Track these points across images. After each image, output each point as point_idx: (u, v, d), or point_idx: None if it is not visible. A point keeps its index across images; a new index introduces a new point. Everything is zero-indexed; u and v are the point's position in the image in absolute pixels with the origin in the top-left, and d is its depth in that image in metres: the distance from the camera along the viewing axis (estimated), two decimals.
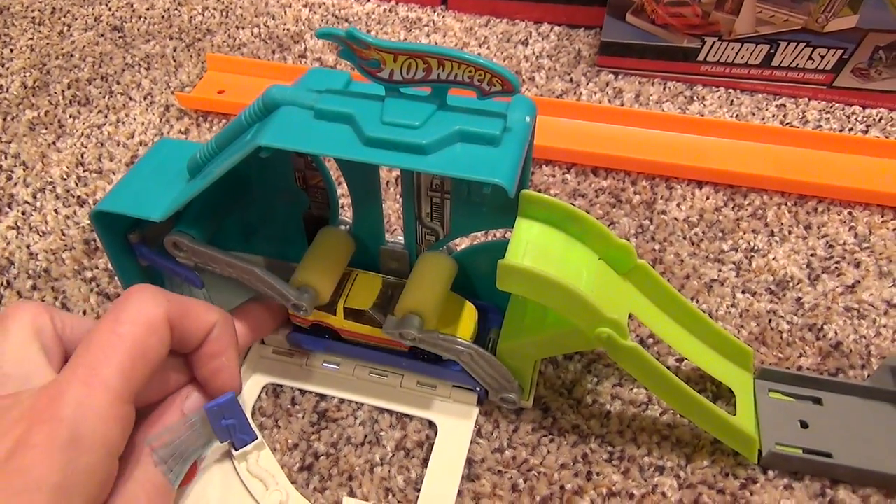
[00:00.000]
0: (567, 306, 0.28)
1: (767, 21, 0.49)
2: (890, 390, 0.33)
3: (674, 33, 0.51)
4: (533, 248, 0.29)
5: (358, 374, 0.34)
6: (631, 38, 0.52)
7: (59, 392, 0.22)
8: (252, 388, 0.33)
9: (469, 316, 0.33)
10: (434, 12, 0.61)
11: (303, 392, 0.34)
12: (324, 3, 0.62)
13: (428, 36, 0.58)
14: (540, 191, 0.45)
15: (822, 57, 0.49)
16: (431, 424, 0.33)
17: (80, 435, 0.22)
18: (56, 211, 0.43)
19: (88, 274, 0.39)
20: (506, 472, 0.31)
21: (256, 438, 0.30)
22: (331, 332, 0.33)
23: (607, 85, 0.53)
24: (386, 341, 0.32)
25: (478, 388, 0.33)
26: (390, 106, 0.26)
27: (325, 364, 0.34)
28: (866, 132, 0.49)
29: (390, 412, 0.33)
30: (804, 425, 0.33)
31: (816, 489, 0.31)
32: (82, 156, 0.47)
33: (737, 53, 0.51)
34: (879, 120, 0.50)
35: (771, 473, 0.31)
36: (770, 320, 0.37)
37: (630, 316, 0.31)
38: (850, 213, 0.43)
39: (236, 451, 0.30)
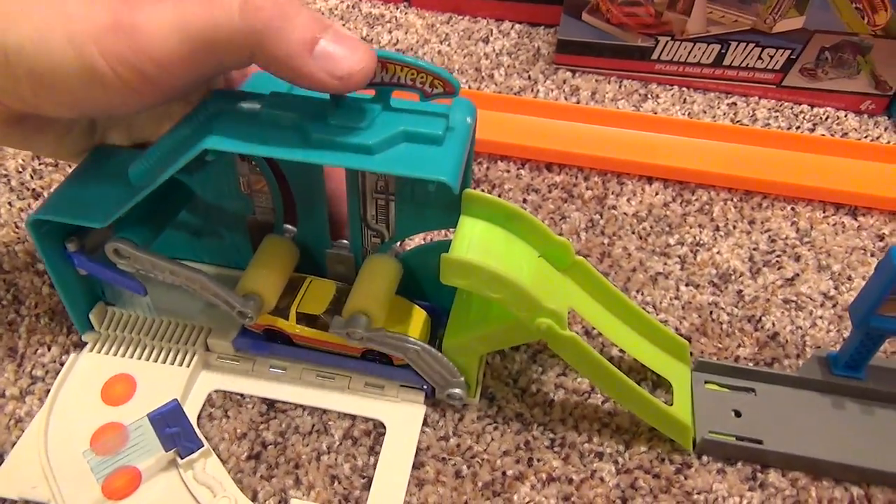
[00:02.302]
0: (508, 298, 0.29)
1: (718, 21, 0.50)
2: (818, 380, 0.34)
3: (628, 32, 0.52)
4: (475, 243, 0.30)
5: (305, 378, 0.34)
6: (587, 37, 0.53)
7: None
8: (198, 396, 0.34)
9: (418, 318, 0.33)
10: (397, 9, 0.62)
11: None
12: None
13: (390, 32, 0.59)
14: (494, 186, 0.46)
15: (771, 57, 0.51)
16: (380, 424, 0.33)
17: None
18: (10, 203, 0.43)
19: (41, 266, 0.39)
20: (450, 459, 0.32)
21: (202, 446, 0.31)
22: (282, 337, 0.34)
23: (564, 82, 0.54)
24: (339, 346, 0.33)
25: (425, 387, 0.33)
26: (334, 108, 0.27)
27: (271, 368, 0.34)
28: (813, 130, 0.51)
29: (339, 413, 0.34)
30: (738, 414, 0.34)
31: (748, 473, 0.32)
32: None
33: (689, 53, 0.52)
34: (826, 118, 0.52)
35: (705, 459, 0.33)
36: (711, 312, 0.39)
37: (571, 311, 0.32)
38: (793, 209, 0.45)
39: (182, 459, 0.30)
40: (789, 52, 0.50)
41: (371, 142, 0.26)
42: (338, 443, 0.33)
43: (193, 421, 0.32)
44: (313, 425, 0.33)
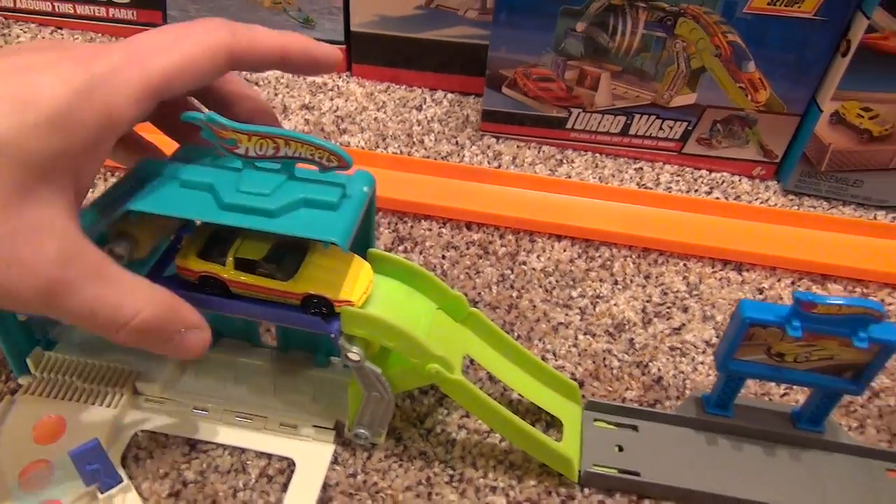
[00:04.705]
0: (401, 346, 0.32)
1: (622, 96, 0.56)
2: (693, 418, 0.38)
3: (544, 104, 0.57)
4: (375, 297, 0.34)
5: (225, 419, 0.37)
6: (508, 108, 0.58)
7: (105, 50, 0.27)
8: (124, 436, 0.36)
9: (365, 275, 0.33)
10: (339, 78, 0.67)
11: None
12: None
13: (331, 100, 0.64)
14: (417, 243, 0.50)
15: (671, 128, 0.57)
16: (293, 462, 0.36)
17: (94, 89, 0.26)
18: None
19: None
20: (356, 495, 0.35)
21: (122, 482, 0.33)
22: (218, 288, 0.33)
23: (488, 148, 0.59)
24: (277, 293, 0.33)
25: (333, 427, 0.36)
26: (245, 177, 0.31)
27: (194, 410, 0.37)
28: (710, 193, 0.56)
29: (256, 452, 0.37)
30: (620, 449, 0.38)
31: (624, 503, 0.36)
32: None
33: (599, 123, 0.57)
34: (722, 183, 0.57)
35: (587, 490, 0.36)
36: (604, 358, 0.43)
37: (467, 357, 0.35)
38: (685, 265, 0.49)
39: (102, 494, 0.33)
40: (686, 123, 0.56)
41: (273, 206, 0.30)
42: (254, 480, 0.36)
43: (118, 459, 0.35)
44: (232, 464, 0.36)
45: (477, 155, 0.58)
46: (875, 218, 0.55)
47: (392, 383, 0.35)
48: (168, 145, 0.36)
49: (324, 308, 0.32)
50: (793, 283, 0.49)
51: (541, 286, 0.47)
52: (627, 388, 0.41)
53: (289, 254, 0.33)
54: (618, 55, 0.53)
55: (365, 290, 0.33)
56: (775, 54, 0.51)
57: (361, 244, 0.35)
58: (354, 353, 0.32)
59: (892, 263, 0.50)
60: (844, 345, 0.33)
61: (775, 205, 0.56)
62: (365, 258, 0.34)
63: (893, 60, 0.48)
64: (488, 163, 0.58)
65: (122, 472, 0.34)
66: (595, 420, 0.39)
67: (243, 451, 0.37)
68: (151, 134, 0.36)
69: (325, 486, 0.35)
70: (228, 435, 0.37)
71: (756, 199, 0.56)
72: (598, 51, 0.53)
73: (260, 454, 0.37)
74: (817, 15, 0.48)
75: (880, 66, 0.48)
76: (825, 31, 0.49)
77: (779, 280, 0.49)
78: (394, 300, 0.34)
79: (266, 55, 0.32)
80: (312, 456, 0.36)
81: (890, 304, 0.48)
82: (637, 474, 0.36)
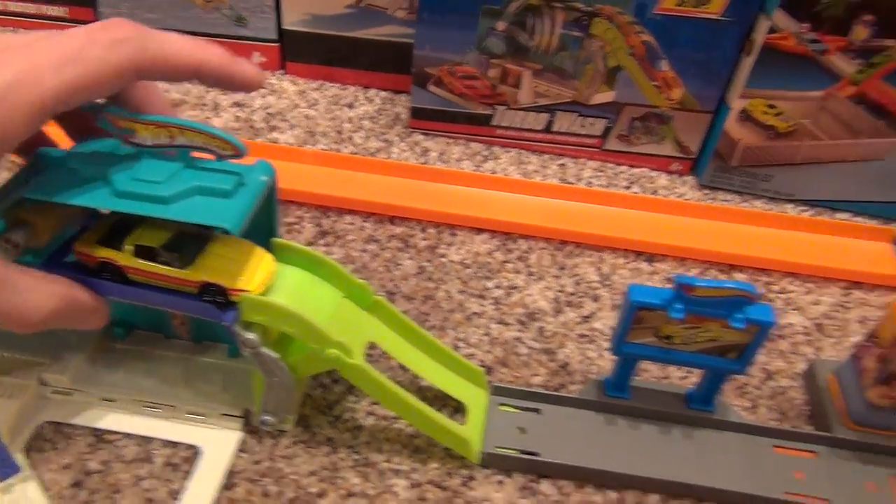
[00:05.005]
0: (300, 331, 0.33)
1: (544, 94, 0.57)
2: (594, 400, 0.40)
3: (469, 102, 0.59)
4: (276, 285, 0.34)
5: (132, 408, 0.38)
6: (435, 105, 0.60)
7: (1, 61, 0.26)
8: (28, 427, 0.36)
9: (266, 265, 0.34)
10: (273, 76, 0.67)
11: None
12: None
13: (263, 97, 0.64)
14: (339, 237, 0.51)
15: (592, 125, 0.58)
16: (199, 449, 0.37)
17: None
18: None
19: None
20: (260, 481, 0.36)
21: (20, 471, 0.33)
22: (116, 274, 0.33)
23: (416, 144, 0.60)
24: (175, 281, 0.33)
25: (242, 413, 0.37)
26: (141, 165, 0.32)
27: (102, 401, 0.38)
28: (629, 188, 0.58)
29: (163, 441, 0.37)
30: (523, 431, 0.39)
31: (524, 483, 0.37)
32: None
33: (523, 120, 0.59)
34: (641, 178, 0.59)
35: (488, 471, 0.37)
36: (514, 346, 0.44)
37: (372, 344, 0.36)
38: (599, 256, 0.51)
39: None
40: (606, 120, 0.58)
41: (167, 194, 0.30)
42: (158, 469, 0.36)
43: (20, 451, 0.35)
44: (137, 453, 0.36)
45: (405, 151, 0.59)
46: (784, 211, 0.57)
47: (295, 369, 0.35)
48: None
49: (220, 297, 0.33)
50: (701, 272, 0.51)
51: (458, 278, 0.48)
52: (534, 374, 0.43)
53: (190, 243, 0.33)
54: (538, 54, 0.55)
55: (265, 279, 0.33)
56: (686, 53, 0.53)
57: (264, 233, 0.35)
58: (250, 339, 0.33)
59: (794, 253, 0.52)
60: (725, 326, 0.35)
61: (690, 199, 0.58)
62: (269, 248, 0.35)
63: (793, 60, 0.50)
64: (416, 159, 0.59)
65: (24, 463, 0.34)
66: (500, 404, 0.40)
67: (150, 440, 0.37)
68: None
69: (231, 473, 0.36)
70: (135, 424, 0.37)
71: (673, 194, 0.58)
72: (519, 49, 0.55)
73: (166, 443, 0.37)
74: (723, 16, 0.50)
75: (782, 65, 0.51)
76: (731, 32, 0.51)
77: (688, 270, 0.51)
78: (296, 288, 0.35)
79: (178, 71, 0.31)
80: (218, 444, 0.37)
81: (791, 291, 0.50)
82: (537, 455, 0.38)
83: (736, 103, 0.53)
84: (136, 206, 0.31)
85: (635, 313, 0.35)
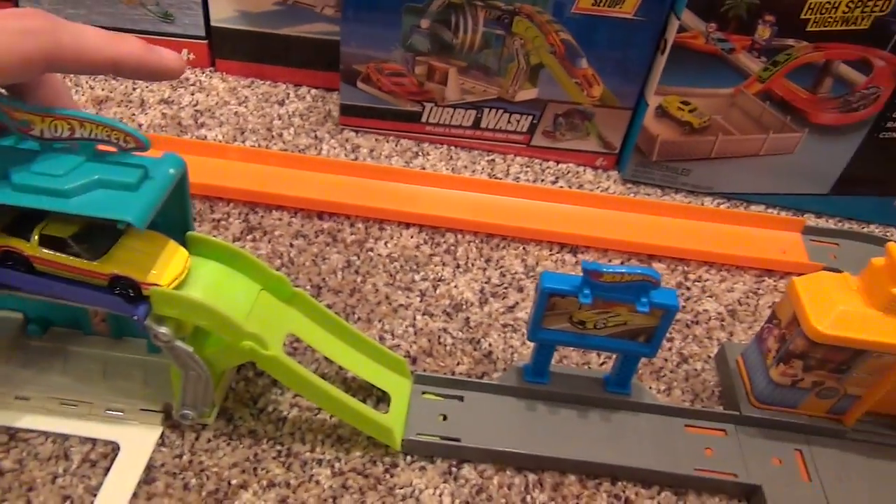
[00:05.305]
0: (213, 324, 0.33)
1: (470, 91, 0.58)
2: (514, 386, 0.41)
3: (398, 99, 0.59)
4: (192, 279, 0.34)
5: (48, 406, 0.37)
6: (364, 102, 0.60)
7: None
8: None
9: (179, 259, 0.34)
10: (203, 73, 0.67)
11: None
12: None
13: (192, 94, 0.64)
14: (266, 232, 0.51)
15: (518, 121, 0.60)
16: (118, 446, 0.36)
17: None
18: None
19: None
20: (180, 474, 0.36)
21: None
22: (22, 264, 0.33)
23: (347, 141, 0.61)
24: (84, 273, 0.32)
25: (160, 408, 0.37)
26: (42, 159, 0.31)
27: (16, 399, 0.37)
28: (555, 182, 0.60)
29: (81, 438, 0.37)
30: (445, 418, 0.40)
31: (445, 468, 0.38)
32: None
33: (451, 117, 0.60)
34: (568, 173, 0.61)
35: (410, 458, 0.38)
36: (439, 336, 0.45)
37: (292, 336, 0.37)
38: (524, 249, 0.52)
39: None
40: (531, 117, 0.59)
41: (67, 187, 0.30)
42: (75, 466, 0.36)
43: None
44: (53, 451, 0.36)
45: (335, 148, 0.60)
46: (703, 204, 0.60)
47: (211, 363, 0.35)
48: None
49: (131, 290, 0.32)
50: (622, 262, 0.53)
51: (385, 271, 0.49)
52: (458, 363, 0.44)
53: (101, 235, 0.33)
54: (462, 51, 0.56)
55: (178, 273, 0.33)
56: (604, 52, 0.55)
57: (178, 228, 0.35)
58: (163, 334, 0.33)
59: (711, 243, 0.54)
60: (632, 311, 0.37)
61: (615, 193, 0.60)
62: (183, 242, 0.35)
63: (703, 57, 0.52)
64: (346, 156, 0.59)
65: None
66: (423, 393, 0.41)
67: (67, 437, 0.37)
68: None
69: (150, 468, 0.36)
70: (51, 422, 0.37)
71: (598, 188, 0.60)
72: (443, 47, 0.56)
73: (85, 440, 0.37)
74: (636, 15, 0.52)
75: (693, 63, 0.53)
76: (645, 31, 0.53)
77: (609, 260, 0.53)
78: (211, 281, 0.35)
79: (95, 64, 0.30)
80: (138, 439, 0.37)
81: (707, 279, 0.52)
82: (458, 440, 0.38)
83: (652, 100, 0.56)
84: (34, 199, 0.30)
85: (548, 300, 0.37)
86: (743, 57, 0.52)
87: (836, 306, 0.37)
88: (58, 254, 0.32)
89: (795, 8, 0.49)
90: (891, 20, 0.49)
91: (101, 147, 0.31)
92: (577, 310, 0.37)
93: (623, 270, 0.35)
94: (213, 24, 0.64)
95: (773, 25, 0.50)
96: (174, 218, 0.35)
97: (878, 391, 0.39)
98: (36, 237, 0.32)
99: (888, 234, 0.59)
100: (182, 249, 0.34)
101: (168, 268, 0.33)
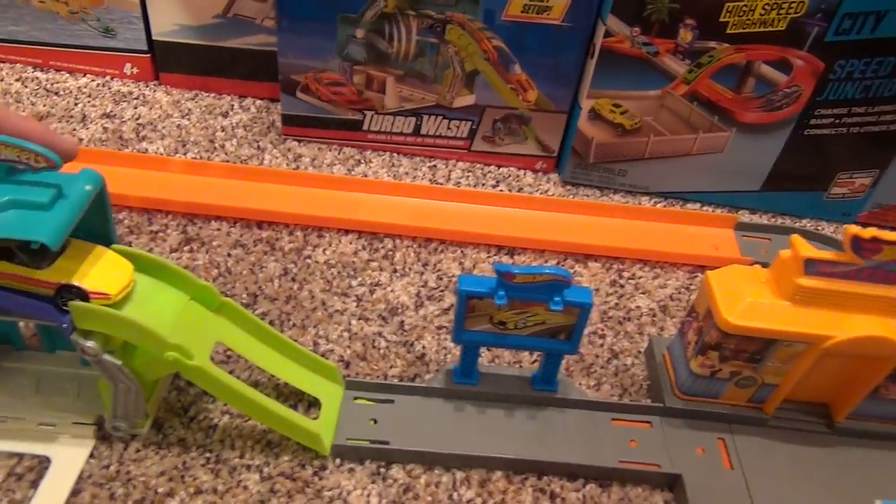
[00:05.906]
0: (135, 337, 0.34)
1: (409, 98, 0.59)
2: (443, 388, 0.42)
3: (338, 108, 0.60)
4: None
5: None
6: (305, 112, 0.61)
7: None
8: None
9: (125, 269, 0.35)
10: (147, 87, 0.67)
11: None
12: (37, 78, 0.66)
13: (135, 108, 0.64)
14: (204, 243, 0.51)
15: (458, 127, 0.61)
16: (47, 460, 0.37)
17: None
18: None
19: None
20: (107, 485, 0.36)
21: None
22: None
23: (289, 151, 0.61)
24: (30, 282, 0.33)
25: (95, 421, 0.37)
26: None
27: None
28: (496, 186, 0.61)
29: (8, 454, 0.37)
30: (375, 421, 0.41)
31: (374, 469, 0.39)
32: None
33: (392, 124, 0.61)
34: (508, 177, 0.62)
35: (339, 461, 0.39)
36: (374, 340, 0.46)
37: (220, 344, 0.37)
38: (462, 252, 0.53)
39: None
40: (470, 122, 0.60)
41: None
42: (0, 480, 0.36)
43: None
44: None
45: (277, 158, 0.60)
46: (640, 203, 0.61)
47: (140, 373, 0.36)
48: None
49: (80, 299, 0.33)
50: (558, 263, 0.54)
51: (322, 277, 0.50)
52: (392, 366, 0.44)
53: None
54: (398, 60, 0.57)
55: (125, 284, 0.34)
56: (536, 57, 0.56)
57: (101, 241, 0.36)
58: (90, 348, 0.33)
59: (646, 242, 0.56)
60: (548, 310, 0.38)
61: (554, 195, 0.61)
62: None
63: (630, 61, 0.54)
64: (287, 165, 0.60)
65: None
66: (355, 398, 0.42)
67: None
68: None
69: (77, 480, 0.36)
70: None
71: (538, 191, 0.61)
72: (379, 56, 0.57)
73: (12, 455, 0.37)
74: (564, 22, 0.54)
75: (621, 67, 0.54)
76: (573, 36, 0.54)
77: (546, 261, 0.54)
78: (136, 294, 0.36)
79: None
80: (69, 452, 0.37)
81: (641, 277, 0.54)
82: (386, 443, 0.39)
83: (585, 103, 0.57)
84: None
85: (466, 302, 0.38)
86: (668, 60, 0.53)
87: (745, 298, 0.38)
88: (5, 263, 0.32)
89: (715, 11, 0.50)
90: (806, 21, 0.51)
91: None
92: (496, 311, 0.38)
93: (534, 271, 0.36)
94: (154, 37, 0.65)
95: (694, 29, 0.51)
96: (97, 231, 0.35)
97: (792, 379, 0.40)
98: None
99: (819, 227, 0.61)
100: (125, 261, 0.35)
101: (115, 278, 0.34)
